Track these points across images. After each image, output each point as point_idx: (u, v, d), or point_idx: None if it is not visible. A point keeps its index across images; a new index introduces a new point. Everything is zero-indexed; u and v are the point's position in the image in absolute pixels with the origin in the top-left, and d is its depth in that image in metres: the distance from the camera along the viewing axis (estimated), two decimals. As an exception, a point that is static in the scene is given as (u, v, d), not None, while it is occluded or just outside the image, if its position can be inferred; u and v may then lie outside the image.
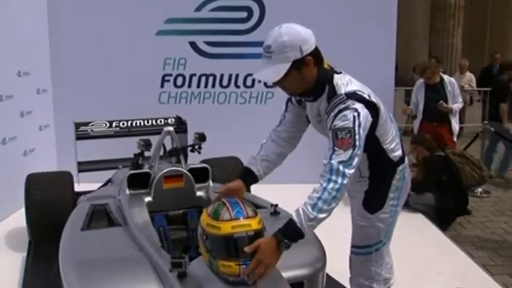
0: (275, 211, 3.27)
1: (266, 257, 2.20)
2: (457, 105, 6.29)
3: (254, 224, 2.27)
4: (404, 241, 4.72)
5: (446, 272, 4.08)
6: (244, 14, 6.46)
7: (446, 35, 17.01)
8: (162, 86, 6.55)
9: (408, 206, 5.58)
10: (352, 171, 2.27)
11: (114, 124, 4.83)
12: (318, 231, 3.13)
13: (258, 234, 2.28)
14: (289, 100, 2.74)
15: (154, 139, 3.81)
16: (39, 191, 4.25)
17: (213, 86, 6.54)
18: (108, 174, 4.59)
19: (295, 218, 2.24)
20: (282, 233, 2.25)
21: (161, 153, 3.84)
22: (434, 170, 5.58)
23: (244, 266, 2.22)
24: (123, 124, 4.82)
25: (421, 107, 6.38)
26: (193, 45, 6.43)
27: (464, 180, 5.72)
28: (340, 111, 2.31)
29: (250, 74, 6.40)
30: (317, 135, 6.71)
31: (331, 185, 2.26)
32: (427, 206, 5.46)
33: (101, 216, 3.45)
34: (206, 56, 6.49)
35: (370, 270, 2.80)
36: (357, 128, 2.28)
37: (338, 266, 3.15)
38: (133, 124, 4.82)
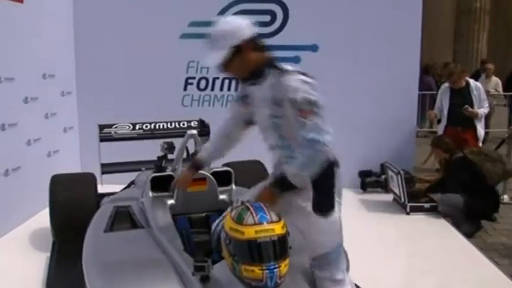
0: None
1: (264, 201, 2.51)
2: (482, 110, 6.18)
3: (278, 229, 2.27)
4: (428, 247, 4.69)
5: (470, 280, 4.01)
6: (267, 18, 6.46)
7: (471, 39, 16.85)
8: (185, 89, 6.58)
9: (435, 211, 5.54)
10: (325, 135, 2.51)
11: (137, 126, 4.87)
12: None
13: (282, 239, 2.27)
14: (233, 100, 3.03)
15: (177, 142, 3.82)
16: (63, 191, 4.29)
17: (236, 89, 6.54)
18: (130, 176, 4.62)
19: (284, 174, 2.57)
20: (275, 184, 2.63)
21: (184, 156, 3.85)
22: (455, 173, 5.50)
23: (267, 271, 2.21)
24: (146, 127, 4.84)
25: (445, 112, 6.27)
26: (216, 48, 6.44)
27: (488, 178, 5.54)
28: (294, 83, 2.49)
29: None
30: (343, 144, 6.66)
31: (308, 151, 2.52)
32: (455, 207, 5.35)
33: (124, 218, 3.47)
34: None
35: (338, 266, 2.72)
36: (313, 97, 2.49)
37: (360, 270, 3.11)
38: (157, 127, 4.85)
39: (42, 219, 4.75)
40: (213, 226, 2.91)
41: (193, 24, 6.38)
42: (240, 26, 2.62)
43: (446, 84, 6.39)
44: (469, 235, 5.07)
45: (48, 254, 4.18)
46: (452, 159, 5.60)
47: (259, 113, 2.74)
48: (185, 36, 6.39)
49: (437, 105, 6.50)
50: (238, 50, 2.58)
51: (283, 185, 2.60)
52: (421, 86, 10.38)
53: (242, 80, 2.78)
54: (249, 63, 2.63)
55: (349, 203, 6.08)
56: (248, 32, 2.62)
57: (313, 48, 6.44)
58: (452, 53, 17.32)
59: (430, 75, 11.57)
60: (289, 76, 2.53)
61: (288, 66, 2.63)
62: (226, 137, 3.07)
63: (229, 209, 2.70)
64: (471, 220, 5.30)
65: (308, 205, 2.64)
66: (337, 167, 2.78)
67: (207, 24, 6.27)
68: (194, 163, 3.15)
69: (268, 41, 6.38)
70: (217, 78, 6.54)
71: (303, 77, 2.52)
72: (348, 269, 2.89)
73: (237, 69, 2.68)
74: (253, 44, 2.63)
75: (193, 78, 6.55)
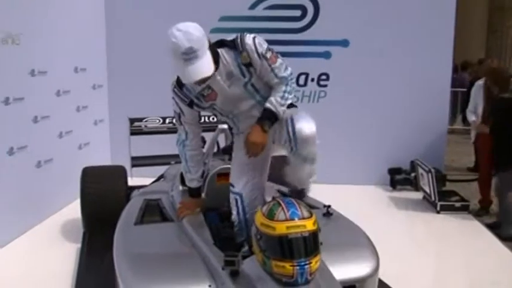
0: (328, 212, 3.23)
1: (257, 138, 2.77)
2: None
3: (309, 225, 2.25)
4: (458, 247, 4.62)
5: (503, 282, 3.93)
6: (298, 13, 6.43)
7: (504, 36, 16.52)
8: (215, 84, 6.57)
9: (466, 211, 5.44)
10: (288, 68, 2.88)
11: (167, 120, 4.91)
12: (371, 235, 3.09)
13: (313, 235, 2.25)
14: (180, 115, 3.05)
15: (207, 136, 3.83)
16: (94, 184, 4.34)
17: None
18: (160, 169, 4.65)
19: (270, 107, 2.79)
20: (263, 119, 2.79)
21: (215, 150, 3.85)
22: (495, 113, 5.30)
23: (298, 268, 2.19)
24: None
25: (480, 110, 5.85)
26: (246, 43, 6.43)
27: None
28: (251, 41, 2.74)
29: (304, 73, 6.41)
30: (373, 140, 6.54)
31: (289, 83, 2.85)
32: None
33: (154, 211, 3.49)
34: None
35: None
36: (268, 45, 2.81)
37: (389, 267, 3.08)
38: None
39: (73, 210, 4.82)
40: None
41: (224, 18, 6.38)
42: (199, 25, 2.64)
43: (480, 82, 6.09)
44: (504, 238, 4.90)
45: (79, 245, 4.24)
46: (497, 97, 5.41)
47: (228, 92, 2.85)
48: (215, 30, 6.35)
49: (471, 104, 6.13)
50: (209, 47, 2.67)
51: (271, 118, 2.80)
52: (456, 82, 10.20)
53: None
54: (212, 56, 2.69)
55: (378, 200, 6.07)
56: None
57: (344, 43, 6.39)
58: (485, 50, 16.98)
59: (467, 72, 11.25)
60: (242, 40, 2.74)
61: (227, 38, 2.80)
62: (198, 148, 3.18)
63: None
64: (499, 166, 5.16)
65: None
66: None
67: (238, 19, 6.41)
68: (193, 194, 3.25)
69: (299, 36, 6.46)
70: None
71: (250, 34, 2.78)
72: (377, 267, 2.86)
73: None
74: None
75: (223, 73, 6.54)
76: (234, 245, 2.96)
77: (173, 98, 2.99)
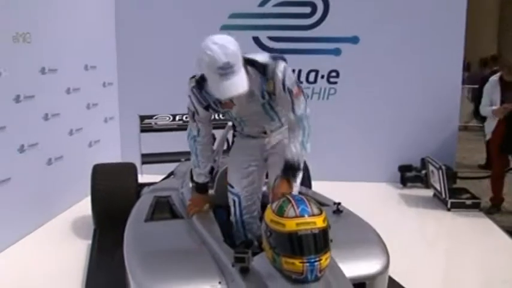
0: (338, 209, 3.23)
1: (285, 189, 2.69)
2: None
3: (319, 222, 2.24)
4: (469, 245, 4.60)
5: (513, 280, 3.92)
6: (308, 9, 6.41)
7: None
8: (225, 81, 6.57)
9: (477, 208, 5.40)
10: (307, 108, 2.81)
11: (177, 117, 4.92)
12: (382, 233, 3.09)
13: (323, 232, 2.24)
14: (194, 114, 3.00)
15: (217, 133, 3.83)
16: (104, 181, 4.35)
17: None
18: (170, 166, 4.66)
19: (292, 162, 2.77)
20: (287, 172, 2.78)
21: (225, 147, 3.85)
22: None
23: (308, 264, 2.19)
24: (186, 118, 4.86)
25: (498, 105, 5.53)
26: (256, 40, 6.42)
27: None
28: (283, 75, 2.69)
29: (314, 70, 6.39)
30: (383, 137, 6.52)
31: (306, 126, 2.78)
32: None
33: (164, 208, 3.50)
34: (269, 51, 6.47)
35: None
36: (296, 78, 2.79)
37: (399, 265, 3.06)
38: None
39: (84, 207, 4.85)
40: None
41: (234, 16, 6.38)
42: (233, 39, 2.57)
43: (495, 78, 5.89)
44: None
45: (89, 242, 4.26)
46: None
47: (246, 106, 2.85)
48: (225, 27, 6.36)
49: (485, 100, 5.93)
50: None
51: (295, 170, 2.79)
52: (468, 80, 10.07)
53: None
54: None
55: (389, 197, 6.06)
56: None
57: (354, 40, 6.37)
58: (497, 46, 16.83)
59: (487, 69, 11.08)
60: (274, 70, 2.67)
61: (258, 57, 2.72)
62: (209, 145, 3.17)
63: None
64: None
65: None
66: None
67: (247, 16, 6.41)
68: (200, 189, 3.24)
69: (309, 33, 6.44)
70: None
71: (283, 64, 2.70)
72: (387, 265, 2.85)
73: None
74: None
75: (233, 70, 6.54)
76: (244, 241, 2.97)
77: (189, 96, 2.94)
